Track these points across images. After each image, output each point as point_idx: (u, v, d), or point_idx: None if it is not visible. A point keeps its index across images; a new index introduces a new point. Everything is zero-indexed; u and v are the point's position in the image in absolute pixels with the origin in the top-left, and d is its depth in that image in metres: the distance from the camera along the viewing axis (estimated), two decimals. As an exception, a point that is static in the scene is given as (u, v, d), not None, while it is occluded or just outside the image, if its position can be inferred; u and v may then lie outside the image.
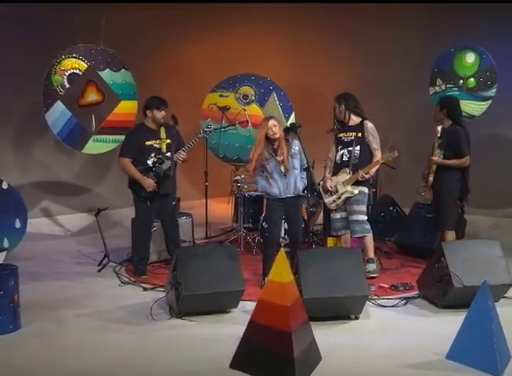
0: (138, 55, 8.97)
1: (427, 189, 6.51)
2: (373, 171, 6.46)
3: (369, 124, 6.42)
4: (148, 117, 6.39)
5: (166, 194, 6.48)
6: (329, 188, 6.46)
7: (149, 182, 6.33)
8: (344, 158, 6.44)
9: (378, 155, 6.39)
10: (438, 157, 6.36)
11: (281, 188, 5.99)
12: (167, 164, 6.34)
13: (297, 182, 6.01)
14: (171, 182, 6.48)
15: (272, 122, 5.93)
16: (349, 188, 6.40)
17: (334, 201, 6.49)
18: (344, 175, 6.44)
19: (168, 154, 6.37)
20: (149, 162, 6.37)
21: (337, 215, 6.55)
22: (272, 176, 6.01)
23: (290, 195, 5.99)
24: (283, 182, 5.98)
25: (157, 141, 6.39)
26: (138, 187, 6.37)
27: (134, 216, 6.63)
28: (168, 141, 6.40)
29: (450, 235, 6.43)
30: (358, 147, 6.39)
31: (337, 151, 6.50)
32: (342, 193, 6.45)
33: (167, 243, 6.67)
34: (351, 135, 6.42)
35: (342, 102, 6.44)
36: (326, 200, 6.55)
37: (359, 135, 6.39)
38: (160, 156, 6.37)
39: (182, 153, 6.38)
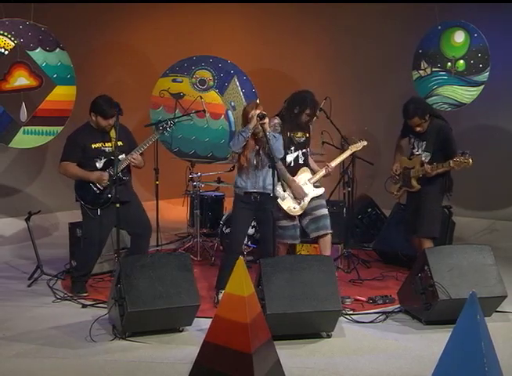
0: (77, 33, 8.88)
1: (398, 186, 6.70)
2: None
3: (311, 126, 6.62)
4: (93, 119, 6.31)
5: (124, 202, 6.23)
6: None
7: (98, 175, 6.19)
8: (300, 161, 6.53)
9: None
10: (431, 166, 6.36)
11: (250, 179, 5.95)
12: (122, 165, 6.21)
13: (268, 178, 5.94)
14: (127, 187, 6.38)
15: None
16: (312, 187, 6.51)
17: (300, 204, 6.45)
18: (307, 174, 6.52)
19: (122, 156, 6.22)
20: (99, 165, 6.25)
21: (307, 220, 6.52)
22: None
23: (259, 190, 5.95)
24: (254, 174, 5.96)
25: (106, 143, 6.28)
26: (84, 191, 6.25)
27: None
28: (120, 143, 6.23)
29: (429, 244, 6.42)
30: (307, 149, 6.58)
31: (287, 153, 6.43)
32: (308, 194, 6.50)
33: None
34: (302, 135, 6.52)
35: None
36: (286, 206, 6.41)
37: (307, 135, 6.55)
38: (112, 158, 6.21)
39: (135, 154, 6.25)
